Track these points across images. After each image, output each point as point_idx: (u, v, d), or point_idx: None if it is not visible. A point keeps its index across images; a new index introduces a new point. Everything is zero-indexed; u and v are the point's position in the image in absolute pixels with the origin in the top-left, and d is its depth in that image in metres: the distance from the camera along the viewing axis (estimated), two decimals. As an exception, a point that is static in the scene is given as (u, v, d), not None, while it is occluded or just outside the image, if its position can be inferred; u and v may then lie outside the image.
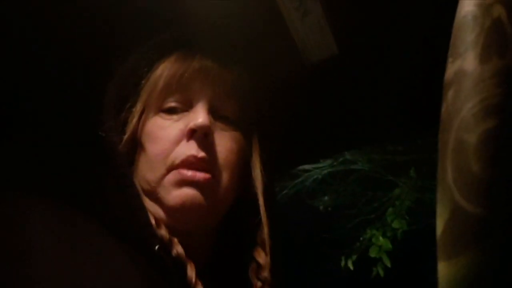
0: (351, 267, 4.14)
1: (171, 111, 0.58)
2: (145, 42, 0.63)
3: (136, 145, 0.59)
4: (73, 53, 0.70)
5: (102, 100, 0.60)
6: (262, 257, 0.59)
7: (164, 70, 0.58)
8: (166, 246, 0.52)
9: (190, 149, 0.54)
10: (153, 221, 0.54)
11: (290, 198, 4.03)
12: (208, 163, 0.55)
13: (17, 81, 0.71)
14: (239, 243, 0.62)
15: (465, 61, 0.25)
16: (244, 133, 0.61)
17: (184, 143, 0.55)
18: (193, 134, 0.54)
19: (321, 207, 4.32)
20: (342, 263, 4.20)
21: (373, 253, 3.96)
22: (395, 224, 3.87)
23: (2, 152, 0.69)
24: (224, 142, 0.57)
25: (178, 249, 0.53)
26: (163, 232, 0.53)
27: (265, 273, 0.58)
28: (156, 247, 0.51)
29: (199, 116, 0.55)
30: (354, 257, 4.14)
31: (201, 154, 0.54)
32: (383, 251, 3.93)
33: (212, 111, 0.58)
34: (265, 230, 0.59)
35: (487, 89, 0.23)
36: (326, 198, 4.29)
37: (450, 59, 0.27)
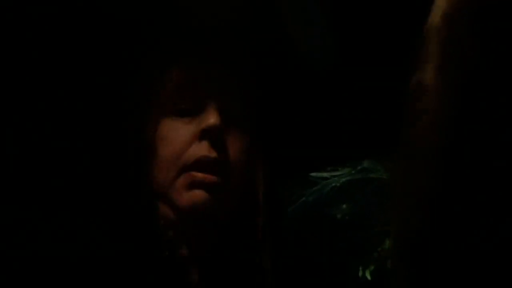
0: (369, 277, 4.08)
1: (182, 113, 0.58)
2: (152, 48, 0.63)
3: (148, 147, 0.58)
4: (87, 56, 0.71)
5: (115, 104, 0.60)
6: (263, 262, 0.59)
7: (174, 74, 0.59)
8: (172, 248, 0.53)
9: (202, 149, 0.54)
10: (161, 222, 0.54)
11: (308, 206, 3.99)
12: (219, 164, 0.55)
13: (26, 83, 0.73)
14: (240, 246, 0.62)
15: (425, 72, 0.25)
16: (251, 135, 0.61)
17: (196, 144, 0.55)
18: (205, 135, 0.55)
19: (338, 216, 4.27)
20: (360, 273, 4.14)
21: (391, 264, 3.89)
22: (414, 235, 3.79)
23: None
24: (234, 143, 0.57)
25: (183, 252, 0.53)
26: (170, 233, 0.54)
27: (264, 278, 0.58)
28: (162, 247, 0.52)
29: (211, 116, 0.55)
30: (372, 267, 4.08)
31: (213, 154, 0.54)
32: (402, 262, 3.85)
33: (223, 113, 0.58)
34: (266, 230, 0.59)
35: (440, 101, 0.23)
36: (344, 206, 4.24)
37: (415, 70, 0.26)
